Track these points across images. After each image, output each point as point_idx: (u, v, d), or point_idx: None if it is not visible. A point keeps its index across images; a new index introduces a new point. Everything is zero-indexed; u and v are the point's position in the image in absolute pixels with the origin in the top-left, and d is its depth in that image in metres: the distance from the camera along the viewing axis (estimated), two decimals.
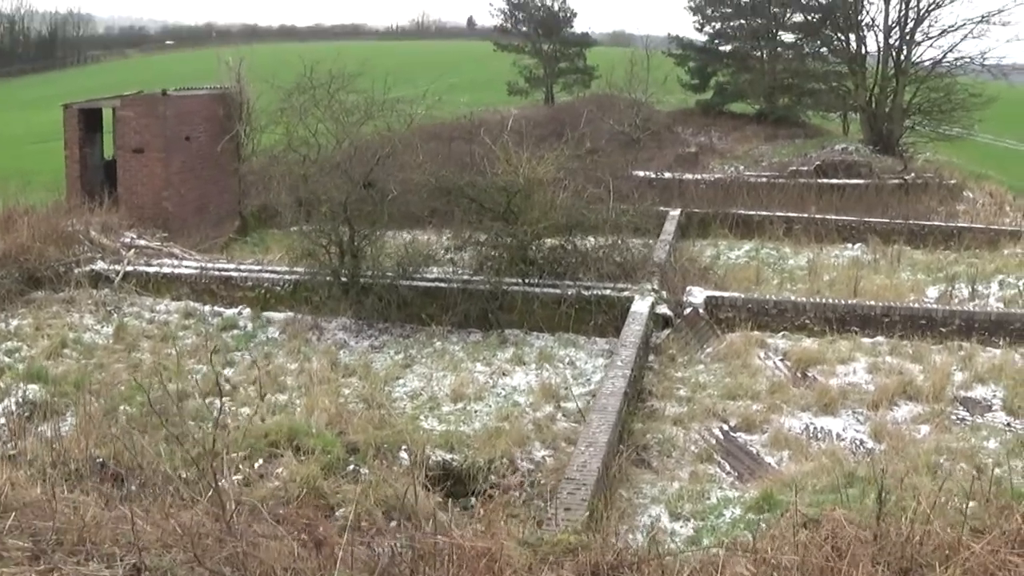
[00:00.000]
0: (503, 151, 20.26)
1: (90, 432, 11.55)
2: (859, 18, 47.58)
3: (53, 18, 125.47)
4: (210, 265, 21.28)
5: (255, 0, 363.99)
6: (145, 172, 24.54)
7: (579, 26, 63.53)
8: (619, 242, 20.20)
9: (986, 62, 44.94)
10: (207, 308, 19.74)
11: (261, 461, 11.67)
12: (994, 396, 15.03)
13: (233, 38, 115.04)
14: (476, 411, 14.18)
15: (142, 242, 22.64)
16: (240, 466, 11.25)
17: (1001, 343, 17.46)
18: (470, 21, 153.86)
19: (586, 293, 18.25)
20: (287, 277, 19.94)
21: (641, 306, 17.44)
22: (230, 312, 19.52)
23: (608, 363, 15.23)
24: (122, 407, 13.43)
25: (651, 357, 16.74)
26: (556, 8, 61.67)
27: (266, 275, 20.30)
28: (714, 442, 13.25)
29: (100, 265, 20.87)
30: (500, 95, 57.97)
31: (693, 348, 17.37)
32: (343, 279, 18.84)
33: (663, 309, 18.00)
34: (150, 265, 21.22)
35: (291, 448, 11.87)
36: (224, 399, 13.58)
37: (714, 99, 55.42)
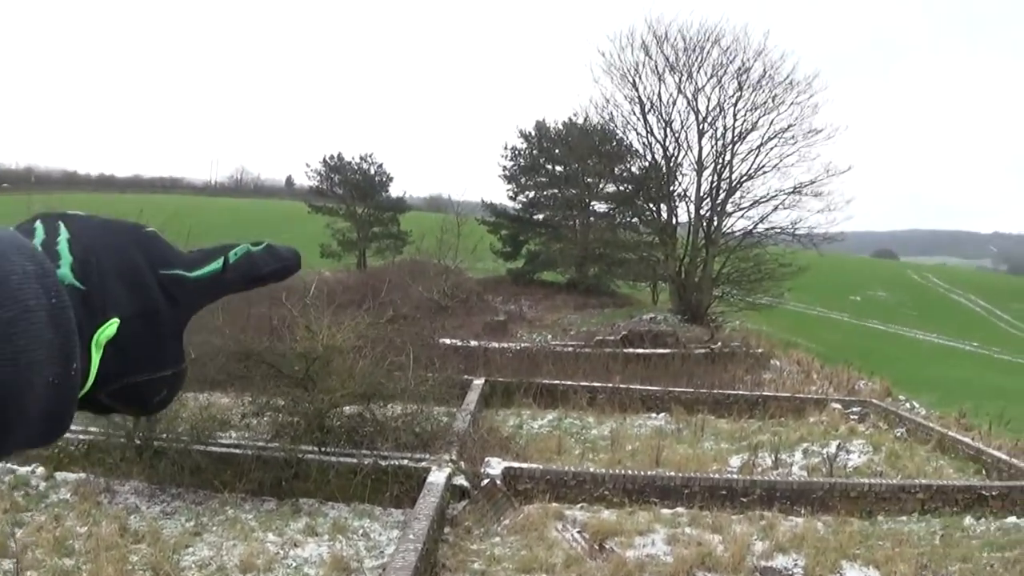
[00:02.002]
0: (304, 317, 20.44)
1: None
2: (671, 189, 49.54)
3: None
4: None
5: (76, 147, 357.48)
6: None
7: (395, 190, 64.58)
8: (419, 411, 20.42)
9: (797, 232, 47.03)
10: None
11: None
12: (795, 565, 15.50)
13: (53, 184, 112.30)
14: None
15: None
16: None
17: (803, 512, 18.07)
18: (288, 180, 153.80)
19: (383, 463, 18.30)
20: (81, 437, 19.36)
21: (438, 477, 17.56)
22: (23, 470, 18.78)
23: (401, 535, 15.30)
24: None
25: (447, 529, 16.75)
26: (372, 172, 62.67)
27: None
28: None
29: None
30: (314, 257, 58.25)
31: (490, 520, 17.51)
32: (137, 441, 18.48)
33: (460, 480, 18.14)
34: None
35: None
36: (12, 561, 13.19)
37: (525, 267, 56.44)
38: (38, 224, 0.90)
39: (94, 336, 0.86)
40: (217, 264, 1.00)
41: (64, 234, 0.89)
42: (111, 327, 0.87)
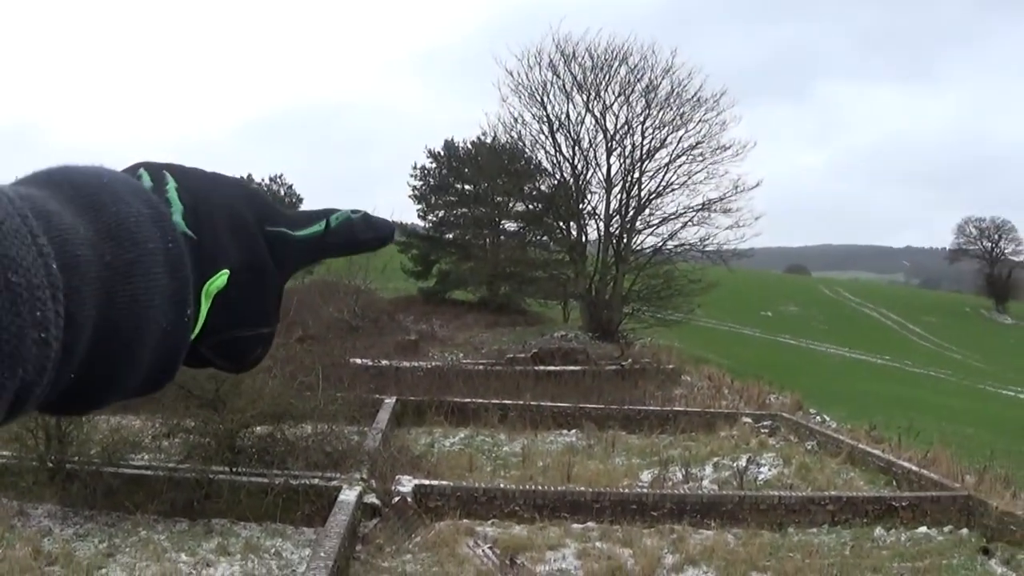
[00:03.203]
0: None
1: None
2: (580, 207, 50.08)
3: None
4: None
5: None
6: None
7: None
8: (330, 431, 20.64)
9: (707, 248, 47.93)
10: None
11: None
12: None
13: None
14: None
15: None
16: None
17: (713, 524, 18.45)
18: None
19: (294, 482, 18.47)
20: None
21: (349, 495, 17.76)
22: None
23: (312, 554, 15.53)
24: None
25: (358, 547, 16.96)
26: (282, 193, 62.53)
27: None
28: None
29: None
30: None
31: (401, 538, 17.79)
32: (49, 464, 18.45)
33: (371, 498, 18.40)
34: None
35: None
36: None
37: (436, 286, 56.24)
38: (143, 171, 0.91)
39: (204, 286, 0.88)
40: (319, 226, 1.03)
41: (172, 183, 0.91)
42: (221, 278, 0.90)
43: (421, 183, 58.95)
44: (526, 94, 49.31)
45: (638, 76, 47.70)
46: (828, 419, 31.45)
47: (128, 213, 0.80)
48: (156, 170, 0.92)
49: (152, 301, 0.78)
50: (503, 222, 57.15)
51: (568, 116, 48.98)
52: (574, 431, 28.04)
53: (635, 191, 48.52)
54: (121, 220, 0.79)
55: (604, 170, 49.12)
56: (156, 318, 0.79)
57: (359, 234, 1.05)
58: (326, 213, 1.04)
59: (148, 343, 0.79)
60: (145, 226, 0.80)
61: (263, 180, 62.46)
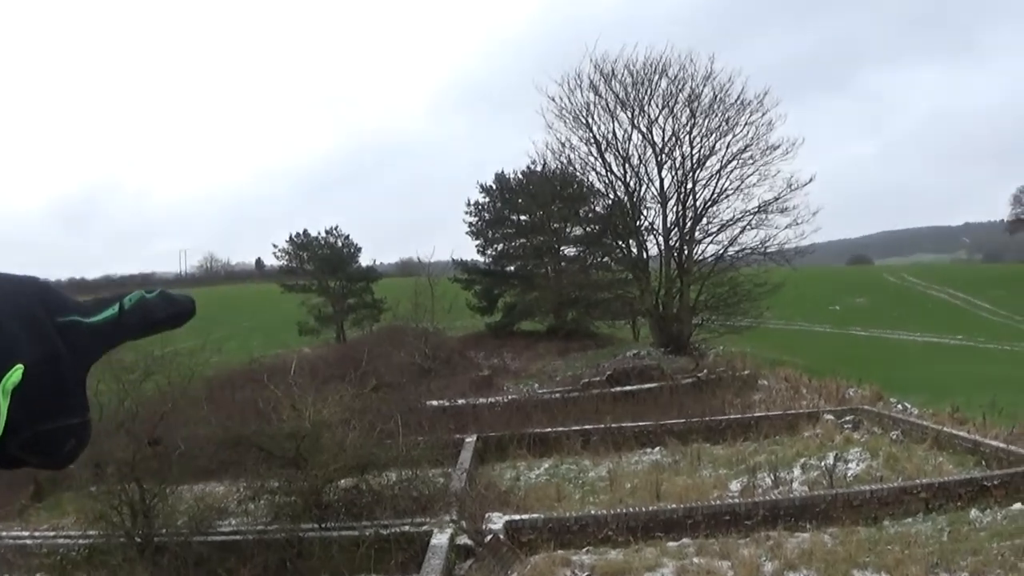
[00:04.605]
0: (287, 396, 20.54)
1: None
2: (637, 224, 49.43)
3: None
4: (3, 533, 20.58)
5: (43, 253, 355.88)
6: None
7: (365, 260, 64.74)
8: (415, 475, 20.51)
9: (768, 250, 47.05)
10: None
11: None
12: None
13: None
14: None
15: None
16: None
17: (808, 526, 18.15)
18: (258, 263, 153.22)
19: (384, 532, 18.34)
20: (81, 542, 19.38)
21: (441, 539, 17.62)
22: None
23: None
24: None
25: None
26: (340, 245, 62.86)
27: (61, 540, 19.73)
28: None
29: None
30: (292, 336, 58.20)
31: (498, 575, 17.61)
32: (137, 539, 18.45)
33: (463, 539, 18.21)
34: None
35: None
36: None
37: (503, 320, 56.28)
38: None
39: (1, 383, 0.88)
40: (113, 310, 1.03)
41: None
42: (16, 373, 0.89)
43: (476, 219, 59.07)
44: (571, 118, 49.20)
45: (679, 87, 47.37)
46: (909, 406, 30.93)
47: None
48: None
49: None
50: (562, 248, 57.12)
51: (615, 134, 48.76)
52: (658, 448, 27.77)
53: (690, 201, 48.12)
54: None
55: (657, 184, 48.81)
56: None
57: (156, 312, 1.06)
58: (119, 296, 1.04)
59: None
60: None
61: (319, 233, 62.85)
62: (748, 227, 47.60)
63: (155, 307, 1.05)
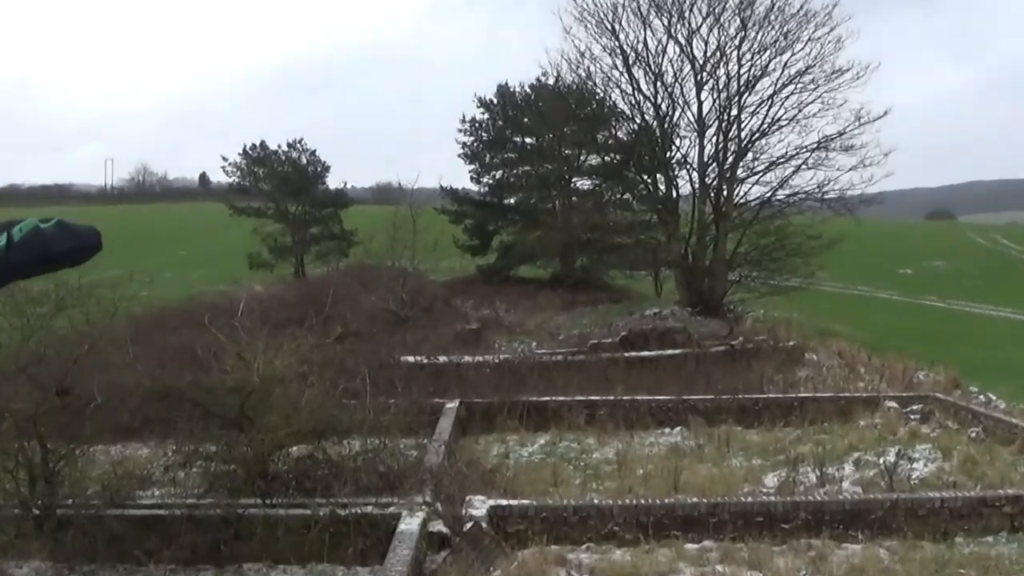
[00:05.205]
0: (232, 342, 20.35)
1: None
2: (668, 155, 49.40)
3: None
4: None
5: None
6: None
7: (333, 182, 64.31)
8: (382, 446, 20.38)
9: (826, 196, 46.84)
10: None
11: None
12: None
13: None
14: None
15: None
16: None
17: (860, 537, 17.91)
18: (203, 178, 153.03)
19: (342, 512, 18.14)
20: None
21: (410, 524, 17.47)
22: None
23: None
24: None
25: None
26: (304, 162, 62.32)
27: None
28: None
29: None
30: (242, 269, 57.87)
31: (477, 572, 17.49)
32: (35, 511, 18.24)
33: (438, 526, 18.09)
34: None
35: None
36: None
37: (498, 263, 56.43)
38: None
39: None
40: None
41: None
42: None
43: (472, 139, 58.74)
44: (593, 22, 48.81)
45: None
46: (995, 398, 30.69)
47: None
48: None
49: None
50: (574, 180, 57.01)
51: (646, 45, 48.42)
52: (678, 429, 27.68)
53: (734, 132, 47.85)
54: None
55: (694, 109, 48.58)
56: None
57: (54, 246, 1.15)
58: (6, 226, 1.10)
59: None
60: None
61: (279, 146, 62.29)
62: (803, 166, 47.38)
63: (51, 239, 1.00)
